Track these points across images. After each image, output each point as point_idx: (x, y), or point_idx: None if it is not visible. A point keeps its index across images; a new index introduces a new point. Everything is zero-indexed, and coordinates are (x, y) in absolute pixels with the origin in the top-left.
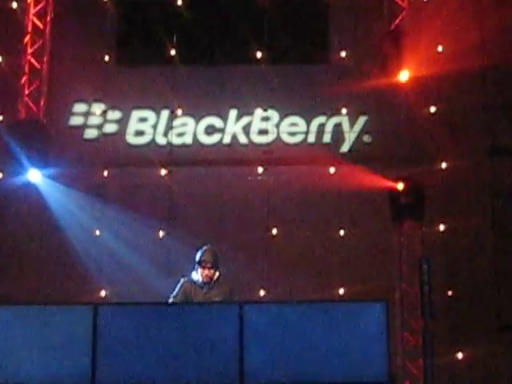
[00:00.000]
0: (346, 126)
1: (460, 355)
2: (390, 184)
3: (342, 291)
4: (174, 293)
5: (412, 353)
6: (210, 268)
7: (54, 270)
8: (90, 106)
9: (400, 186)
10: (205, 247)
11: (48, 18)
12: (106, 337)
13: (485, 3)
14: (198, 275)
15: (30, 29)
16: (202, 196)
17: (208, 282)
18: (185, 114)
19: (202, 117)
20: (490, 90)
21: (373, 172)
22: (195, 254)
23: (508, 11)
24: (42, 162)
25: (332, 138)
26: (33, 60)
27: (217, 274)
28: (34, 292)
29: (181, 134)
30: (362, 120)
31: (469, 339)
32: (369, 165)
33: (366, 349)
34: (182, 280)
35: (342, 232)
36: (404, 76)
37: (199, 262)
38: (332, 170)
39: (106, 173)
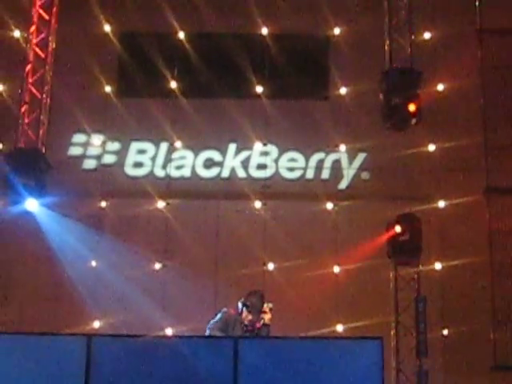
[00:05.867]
0: (344, 162)
1: None
2: (387, 221)
3: (337, 328)
4: (215, 319)
5: None
6: (254, 314)
7: (49, 299)
8: (89, 136)
9: (398, 228)
10: (254, 290)
11: (49, 48)
12: (99, 368)
13: (486, 41)
14: (243, 316)
15: (31, 58)
16: (199, 229)
17: (250, 327)
18: (184, 146)
19: (201, 150)
20: (488, 130)
21: (370, 209)
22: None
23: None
24: (40, 191)
25: (330, 174)
26: (33, 89)
27: (262, 321)
28: (28, 321)
29: (179, 167)
30: (360, 157)
31: (464, 378)
32: (367, 202)
33: None
34: (224, 309)
35: (338, 268)
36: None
37: (246, 305)
38: (330, 206)
39: (103, 203)
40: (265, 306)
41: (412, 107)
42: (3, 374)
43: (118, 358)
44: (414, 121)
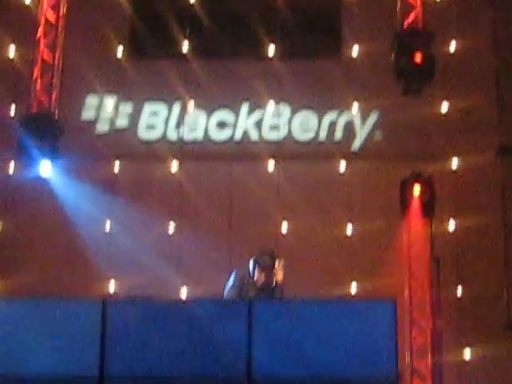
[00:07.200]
0: (357, 122)
1: (468, 353)
2: (400, 181)
3: (351, 288)
4: (229, 284)
5: (420, 351)
6: (267, 272)
7: (64, 263)
8: (102, 99)
9: (416, 188)
10: (265, 249)
11: (61, 12)
12: (115, 331)
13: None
14: (255, 277)
15: (42, 22)
16: (213, 191)
17: (264, 287)
18: (196, 108)
19: (214, 111)
20: (502, 88)
21: (383, 169)
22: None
23: None
24: (53, 156)
25: (343, 134)
26: (45, 53)
27: (275, 280)
28: (43, 285)
29: (192, 129)
30: (373, 117)
31: (477, 337)
32: (380, 162)
33: (374, 347)
34: (235, 271)
35: (351, 229)
36: None
37: (258, 265)
38: (343, 166)
39: (117, 167)
40: (276, 263)
41: (418, 57)
42: (19, 338)
43: (133, 321)
44: (423, 77)
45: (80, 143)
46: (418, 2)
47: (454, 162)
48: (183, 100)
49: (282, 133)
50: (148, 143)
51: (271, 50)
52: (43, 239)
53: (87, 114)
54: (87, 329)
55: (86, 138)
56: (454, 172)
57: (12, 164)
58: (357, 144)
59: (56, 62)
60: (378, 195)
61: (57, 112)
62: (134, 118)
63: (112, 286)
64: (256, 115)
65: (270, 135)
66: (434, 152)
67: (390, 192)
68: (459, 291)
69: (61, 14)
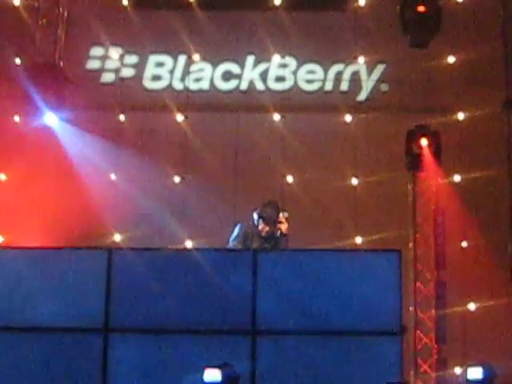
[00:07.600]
0: (363, 74)
1: (472, 305)
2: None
3: (356, 240)
4: (234, 234)
5: (424, 303)
6: (271, 225)
7: (69, 213)
8: (107, 49)
9: (423, 141)
10: (269, 201)
11: None
12: (120, 281)
13: None
14: (260, 228)
15: None
16: (218, 142)
17: (268, 238)
18: (202, 59)
19: (220, 62)
20: (509, 41)
21: (389, 121)
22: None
23: None
24: (58, 106)
25: (349, 86)
26: (50, 3)
27: (279, 231)
28: (48, 235)
29: (198, 80)
30: (379, 68)
31: (481, 289)
32: (385, 114)
33: (379, 298)
34: (239, 224)
35: (356, 181)
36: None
37: (262, 217)
38: (348, 118)
39: (122, 117)
40: (280, 215)
41: (421, 8)
42: (24, 287)
43: (138, 270)
44: (429, 29)
45: (85, 93)
46: None
47: (460, 115)
48: (188, 52)
49: (287, 83)
50: (154, 93)
51: (277, 1)
52: (48, 189)
53: (92, 64)
54: (93, 278)
55: (92, 88)
56: (460, 125)
57: (18, 114)
58: (363, 95)
59: (61, 12)
60: (384, 147)
61: (62, 62)
62: (140, 68)
63: (117, 236)
64: (262, 67)
65: (276, 86)
66: (440, 105)
67: (396, 144)
68: (464, 243)
69: None
